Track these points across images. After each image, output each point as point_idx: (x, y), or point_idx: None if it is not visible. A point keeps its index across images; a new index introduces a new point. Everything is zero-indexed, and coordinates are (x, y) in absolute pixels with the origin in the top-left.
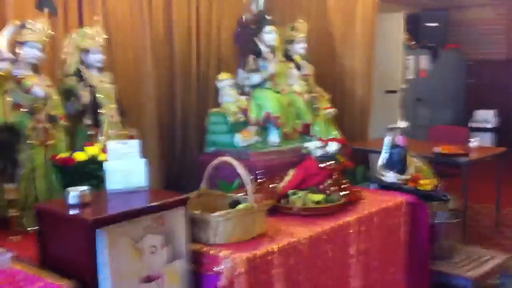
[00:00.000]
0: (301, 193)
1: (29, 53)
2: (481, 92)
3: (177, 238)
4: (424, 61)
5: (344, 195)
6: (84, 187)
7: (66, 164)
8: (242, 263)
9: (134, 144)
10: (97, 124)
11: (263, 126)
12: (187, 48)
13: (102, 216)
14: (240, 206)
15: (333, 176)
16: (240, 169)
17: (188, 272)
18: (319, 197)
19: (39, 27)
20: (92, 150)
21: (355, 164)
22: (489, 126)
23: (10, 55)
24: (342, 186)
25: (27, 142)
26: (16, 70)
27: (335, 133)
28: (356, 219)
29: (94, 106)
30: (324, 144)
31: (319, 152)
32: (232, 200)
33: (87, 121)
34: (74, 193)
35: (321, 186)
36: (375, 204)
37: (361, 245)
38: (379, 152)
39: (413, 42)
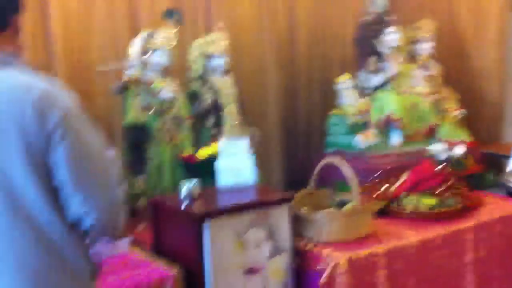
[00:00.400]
0: (414, 197)
1: (158, 59)
2: None
3: (280, 233)
4: None
5: (460, 200)
6: (194, 181)
7: (189, 161)
8: (344, 263)
9: (243, 143)
10: (219, 125)
11: (384, 128)
12: (310, 51)
13: (209, 210)
14: (347, 207)
15: (449, 181)
16: (345, 169)
17: (291, 267)
18: (432, 201)
19: (166, 35)
20: (212, 149)
21: (485, 169)
22: None
23: (140, 61)
24: (458, 191)
25: (155, 140)
26: (146, 75)
27: (463, 136)
28: (474, 226)
29: (217, 108)
30: (450, 147)
31: (443, 156)
32: (340, 200)
33: (210, 122)
34: (185, 188)
35: (436, 191)
36: (497, 211)
37: (479, 254)
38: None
39: None
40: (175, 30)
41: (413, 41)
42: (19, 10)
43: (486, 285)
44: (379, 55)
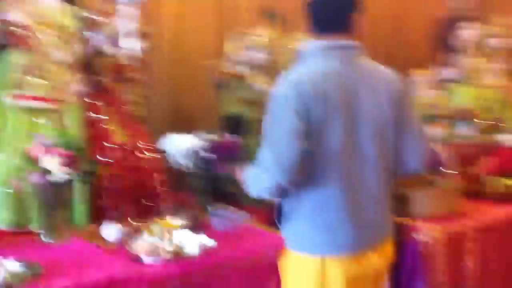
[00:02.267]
0: (498, 179)
1: (255, 56)
2: None
3: None
4: None
5: None
6: None
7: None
8: (441, 234)
9: None
10: None
11: (460, 120)
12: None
13: None
14: (442, 185)
15: None
16: (440, 151)
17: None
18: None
19: (263, 34)
20: None
21: None
22: None
23: (238, 58)
24: None
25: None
26: (242, 70)
27: None
28: None
29: None
30: None
31: None
32: (429, 180)
33: None
34: None
35: None
36: None
37: None
38: None
39: None
40: (271, 30)
41: (488, 36)
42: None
43: None
44: (454, 50)
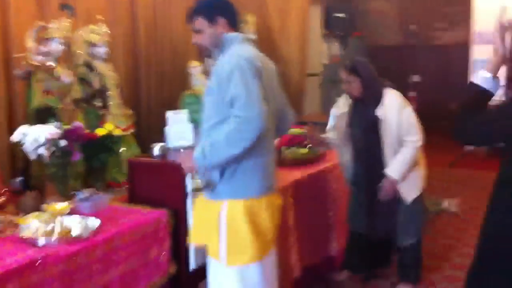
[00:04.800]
0: (291, 149)
1: (55, 47)
2: (380, 75)
3: None
4: (336, 47)
5: (317, 150)
6: (163, 143)
7: (90, 139)
8: None
9: (184, 115)
10: (105, 105)
11: None
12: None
13: None
14: None
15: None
16: None
17: None
18: (304, 150)
19: (62, 25)
20: (108, 127)
21: None
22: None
23: (44, 50)
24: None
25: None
26: (47, 62)
27: None
28: (332, 165)
29: (103, 91)
30: None
31: None
32: None
33: (98, 103)
34: (159, 147)
35: (304, 143)
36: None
37: (335, 184)
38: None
39: (326, 31)
40: (68, 21)
41: None
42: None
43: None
44: None
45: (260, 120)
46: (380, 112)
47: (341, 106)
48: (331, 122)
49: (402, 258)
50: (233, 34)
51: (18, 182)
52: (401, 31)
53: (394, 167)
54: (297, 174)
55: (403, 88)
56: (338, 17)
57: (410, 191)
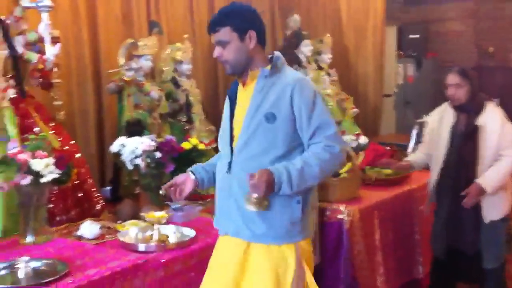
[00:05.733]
0: (374, 168)
1: (145, 64)
2: None
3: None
4: (411, 68)
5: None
6: None
7: (177, 151)
8: (357, 213)
9: None
10: (189, 120)
11: None
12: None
13: None
14: (343, 175)
15: (394, 156)
16: None
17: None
18: (389, 171)
19: (150, 43)
20: (194, 141)
21: None
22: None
23: (135, 66)
24: None
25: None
26: (137, 77)
27: (357, 130)
28: (418, 187)
29: (188, 106)
30: (356, 138)
31: (354, 144)
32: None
33: (183, 118)
34: None
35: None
36: (423, 177)
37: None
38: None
39: (400, 52)
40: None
41: (317, 52)
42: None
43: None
44: (298, 63)
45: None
46: (481, 121)
47: (435, 116)
48: (412, 144)
49: (485, 282)
50: (279, 53)
51: (108, 191)
52: (477, 52)
53: (487, 177)
54: (382, 194)
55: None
56: (413, 38)
57: (492, 211)
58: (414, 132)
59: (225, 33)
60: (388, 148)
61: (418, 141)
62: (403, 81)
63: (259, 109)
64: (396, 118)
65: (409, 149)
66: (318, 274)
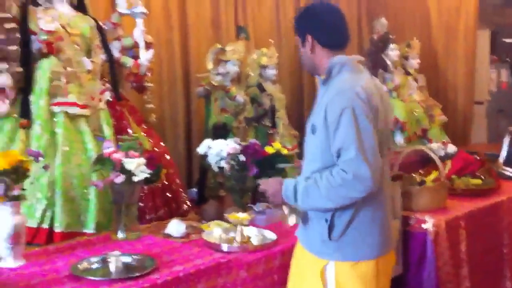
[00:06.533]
0: (463, 178)
1: (232, 69)
2: None
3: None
4: (505, 74)
5: (493, 180)
6: None
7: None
8: (443, 223)
9: None
10: (273, 125)
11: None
12: None
13: None
14: (428, 184)
15: (485, 166)
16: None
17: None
18: (478, 181)
19: (237, 48)
20: (277, 146)
21: None
22: None
23: (223, 71)
24: (488, 173)
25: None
26: (224, 82)
27: (445, 138)
28: (508, 199)
29: (272, 111)
30: (444, 146)
31: (441, 153)
32: (420, 180)
33: (267, 123)
34: None
35: (477, 173)
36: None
37: (510, 219)
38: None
39: (494, 57)
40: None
41: (404, 57)
42: None
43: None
44: (384, 68)
45: (372, 181)
46: None
47: None
48: (504, 153)
49: None
50: (342, 58)
51: (194, 192)
52: None
53: None
54: (469, 205)
55: None
56: (508, 42)
57: None
58: (506, 141)
59: (296, 38)
60: (478, 157)
61: (510, 150)
62: (496, 88)
63: (310, 118)
64: (488, 127)
65: (501, 159)
66: (400, 286)
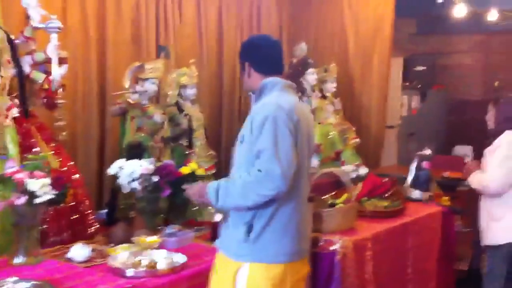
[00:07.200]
0: (371, 200)
1: (150, 87)
2: (460, 129)
3: None
4: (415, 100)
5: (400, 202)
6: None
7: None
8: (350, 244)
9: None
10: (190, 145)
11: None
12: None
13: None
14: (338, 206)
15: (393, 188)
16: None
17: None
18: (385, 203)
19: (157, 66)
20: (193, 166)
21: None
22: (467, 160)
23: (141, 89)
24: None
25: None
26: (142, 100)
27: (358, 160)
28: (412, 220)
29: (190, 131)
30: (356, 168)
31: (353, 175)
32: (330, 202)
33: (184, 143)
34: None
35: (386, 195)
36: (419, 211)
37: (415, 240)
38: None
39: (406, 83)
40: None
41: (322, 81)
42: None
43: (417, 264)
44: (302, 92)
45: (282, 180)
46: None
47: None
48: (410, 177)
49: None
50: (273, 80)
51: (104, 214)
52: (484, 86)
53: None
54: (376, 226)
55: (483, 143)
56: (419, 70)
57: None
58: (414, 165)
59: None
60: (386, 179)
61: (417, 174)
62: (407, 113)
63: (241, 130)
64: (399, 150)
65: (408, 182)
66: None
